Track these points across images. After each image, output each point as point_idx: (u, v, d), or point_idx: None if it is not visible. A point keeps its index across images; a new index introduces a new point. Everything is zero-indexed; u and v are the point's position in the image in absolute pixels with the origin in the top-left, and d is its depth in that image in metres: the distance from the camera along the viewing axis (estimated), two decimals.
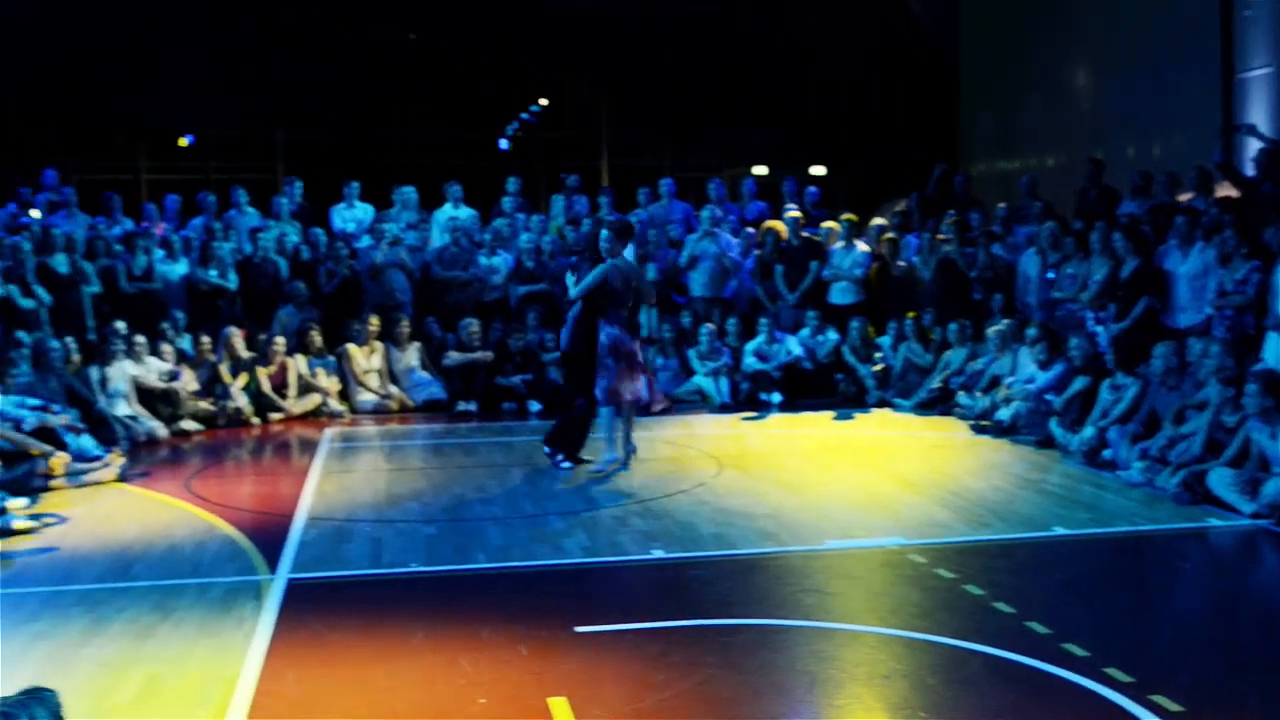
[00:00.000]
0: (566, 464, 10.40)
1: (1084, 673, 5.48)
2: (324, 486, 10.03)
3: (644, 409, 10.82)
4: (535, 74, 23.67)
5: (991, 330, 12.94)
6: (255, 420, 13.27)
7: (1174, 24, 15.92)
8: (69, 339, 12.29)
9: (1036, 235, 13.60)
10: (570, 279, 10.55)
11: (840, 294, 14.78)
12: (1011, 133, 19.58)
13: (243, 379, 13.40)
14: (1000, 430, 11.74)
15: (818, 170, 24.08)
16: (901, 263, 14.78)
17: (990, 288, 13.88)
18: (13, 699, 2.74)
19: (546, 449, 10.59)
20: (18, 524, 8.55)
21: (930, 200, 16.17)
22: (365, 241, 15.25)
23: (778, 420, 13.23)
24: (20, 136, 21.48)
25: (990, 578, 7.06)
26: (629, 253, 10.51)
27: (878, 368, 14.06)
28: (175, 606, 6.76)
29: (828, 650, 5.97)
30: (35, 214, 14.66)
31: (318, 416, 13.62)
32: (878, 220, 15.78)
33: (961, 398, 12.78)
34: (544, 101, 25.76)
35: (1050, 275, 13.05)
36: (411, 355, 14.24)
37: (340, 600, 6.90)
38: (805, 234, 14.94)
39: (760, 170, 24.36)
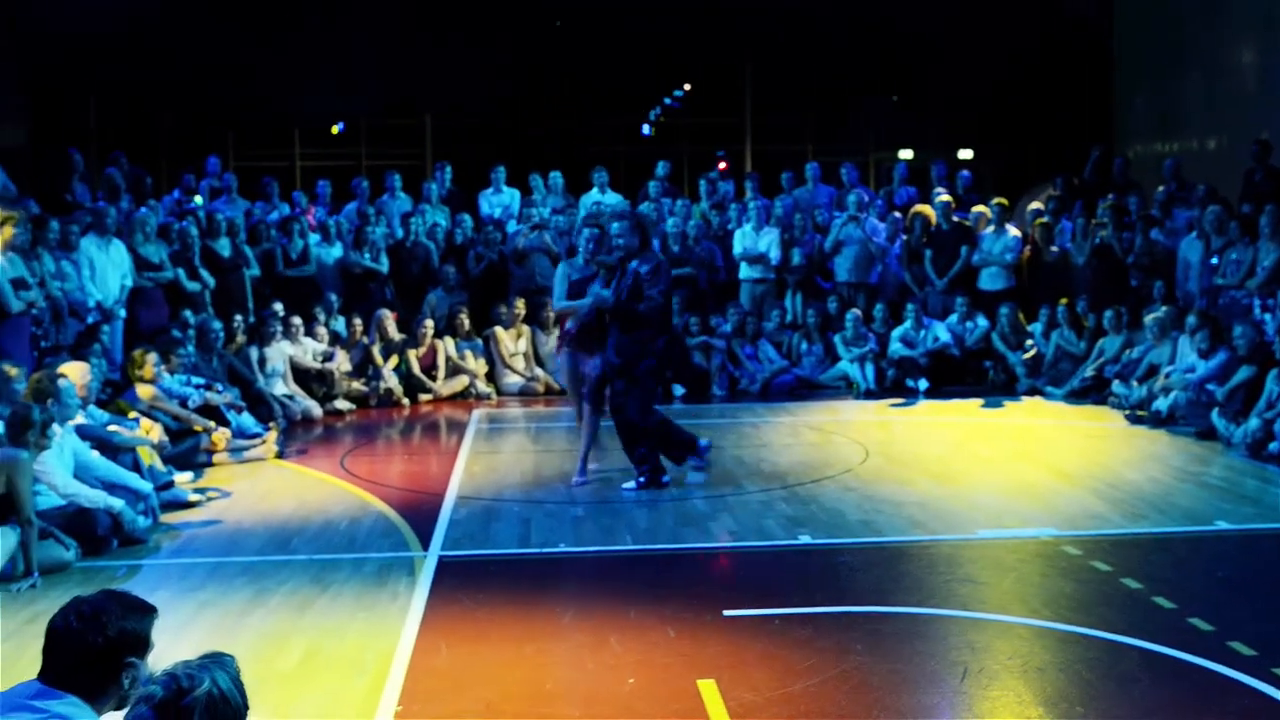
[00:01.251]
0: (696, 463, 9.60)
1: (1251, 672, 5.29)
2: (472, 467, 10.21)
3: None
4: (679, 59, 23.63)
5: (1150, 317, 12.54)
6: (405, 401, 13.57)
7: None
8: (236, 318, 12.71)
9: (1198, 219, 13.13)
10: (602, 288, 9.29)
11: (990, 280, 14.48)
12: (1170, 113, 18.90)
13: (393, 360, 13.71)
14: (1158, 421, 11.39)
15: (965, 154, 23.59)
16: (1054, 248, 14.43)
17: (1148, 274, 13.45)
18: (195, 662, 2.85)
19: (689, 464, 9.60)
20: (188, 497, 8.90)
21: (1085, 183, 15.73)
22: (513, 226, 15.45)
23: (924, 407, 13.04)
24: (183, 126, 22.27)
25: (1148, 571, 6.86)
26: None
27: (1028, 355, 13.76)
28: (332, 580, 6.96)
29: (980, 641, 5.87)
30: (198, 200, 15.18)
31: (465, 398, 13.86)
32: (1033, 205, 15.41)
33: (1116, 387, 12.42)
34: (688, 86, 25.74)
35: (1213, 261, 12.59)
36: (556, 338, 14.38)
37: (490, 578, 7.02)
38: (955, 218, 14.67)
39: (906, 154, 23.96)
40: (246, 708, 2.87)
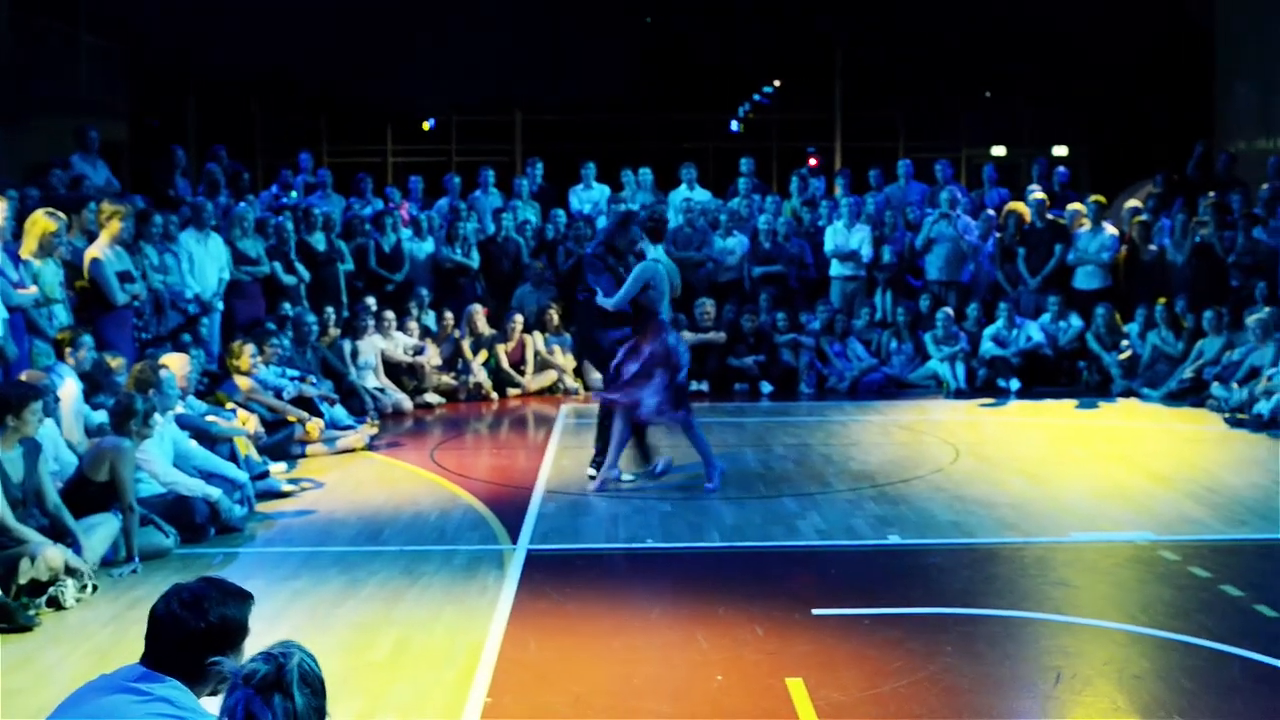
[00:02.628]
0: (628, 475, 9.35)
1: None
2: (560, 461, 10.26)
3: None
4: (769, 55, 23.55)
5: (1251, 319, 12.23)
6: (494, 395, 13.67)
7: None
8: (328, 311, 12.88)
9: None
10: (599, 288, 9.20)
11: (1085, 279, 14.21)
12: (1274, 109, 18.41)
13: (483, 355, 13.82)
14: (1259, 424, 11.10)
15: (1059, 150, 23.20)
16: (1153, 247, 14.13)
17: (1250, 274, 13.13)
18: (276, 647, 2.91)
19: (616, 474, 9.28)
20: (282, 487, 9.05)
21: (1187, 180, 15.38)
22: (603, 222, 15.48)
23: (1016, 408, 12.85)
24: (276, 120, 22.70)
25: (1250, 579, 6.69)
26: (658, 252, 9.17)
27: (1124, 356, 13.49)
28: (422, 571, 7.04)
29: (1074, 646, 5.78)
30: (294, 195, 15.43)
31: (553, 393, 13.92)
32: (1131, 202, 15.09)
33: (1216, 389, 12.13)
34: (777, 83, 25.62)
35: None
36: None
37: (578, 573, 7.05)
38: (1050, 216, 14.43)
39: (999, 151, 23.64)
40: (324, 681, 2.97)
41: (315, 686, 2.89)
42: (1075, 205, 14.71)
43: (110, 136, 16.19)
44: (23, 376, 7.83)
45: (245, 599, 3.31)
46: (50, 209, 9.48)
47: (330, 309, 13.02)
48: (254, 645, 3.22)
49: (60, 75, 17.17)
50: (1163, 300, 13.37)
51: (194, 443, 8.44)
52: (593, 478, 9.25)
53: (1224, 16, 19.63)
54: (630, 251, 9.26)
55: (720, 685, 5.32)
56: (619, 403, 9.06)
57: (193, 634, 3.18)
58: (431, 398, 13.29)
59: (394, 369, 13.21)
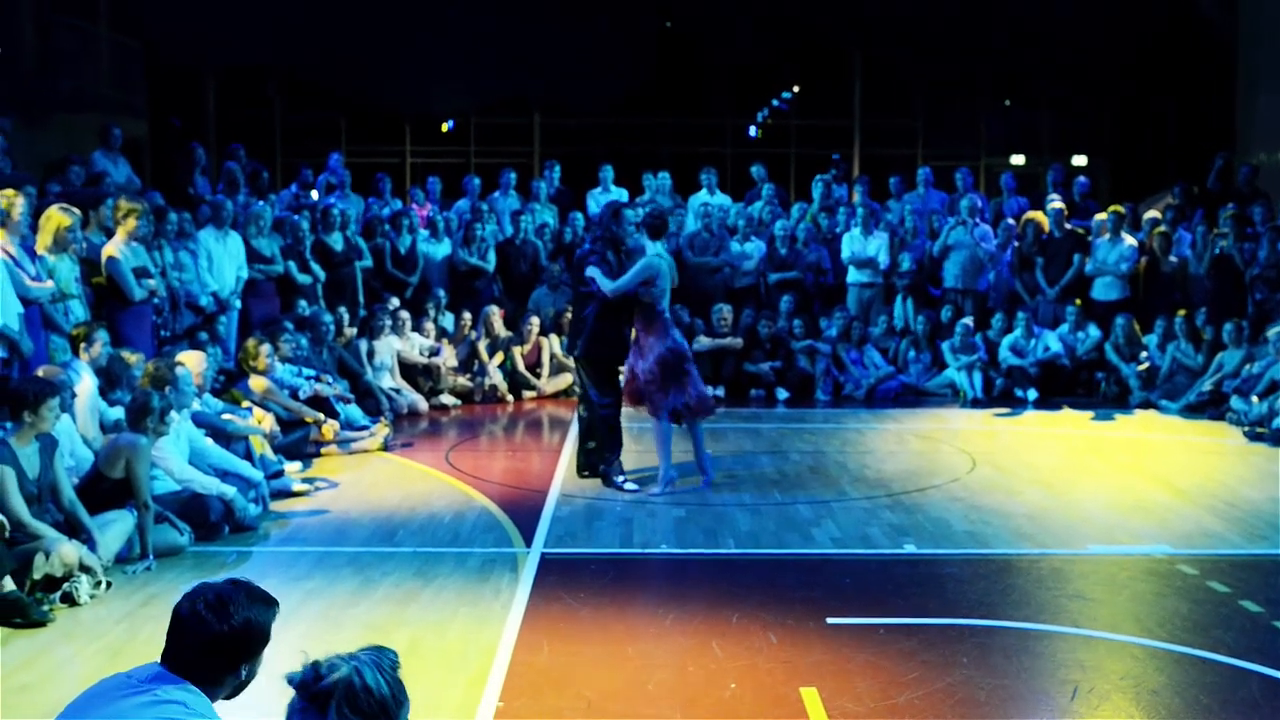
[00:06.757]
0: (632, 484, 9.25)
1: None
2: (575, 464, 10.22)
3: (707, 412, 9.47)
4: (788, 61, 23.50)
5: (1272, 332, 12.14)
6: (509, 397, 13.66)
7: None
8: (341, 310, 12.87)
9: None
10: (595, 272, 9.14)
11: (1104, 289, 14.15)
12: None
13: (499, 357, 13.81)
14: (1278, 439, 11.03)
15: (1078, 160, 23.12)
16: (1173, 258, 14.05)
17: (1271, 287, 13.03)
18: (348, 653, 2.77)
19: (617, 478, 9.28)
20: (296, 486, 9.05)
21: (1206, 192, 15.30)
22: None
23: (1033, 417, 12.79)
24: (296, 119, 22.74)
25: (1270, 595, 6.63)
26: (659, 248, 9.18)
27: (1143, 367, 13.41)
28: (436, 573, 7.02)
29: (1091, 659, 5.73)
30: (315, 195, 15.45)
31: (569, 396, 13.87)
32: (1151, 213, 15.02)
33: (1235, 402, 12.05)
34: (796, 89, 25.57)
35: None
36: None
37: (592, 577, 7.02)
38: (1069, 226, 14.37)
39: (1018, 160, 23.55)
40: (399, 703, 2.77)
41: (367, 710, 2.70)
42: (1096, 215, 14.64)
43: (131, 134, 16.23)
44: (39, 372, 7.83)
45: (271, 605, 3.24)
46: (64, 204, 9.50)
47: (343, 309, 13.01)
48: (268, 647, 3.21)
49: (81, 72, 17.22)
50: (1183, 312, 13.30)
51: (209, 441, 8.44)
52: (606, 483, 9.21)
53: (1247, 27, 19.51)
54: (624, 244, 9.26)
55: (734, 693, 5.29)
56: (660, 409, 9.11)
57: (215, 636, 3.14)
58: (447, 399, 13.29)
59: (410, 370, 13.21)
